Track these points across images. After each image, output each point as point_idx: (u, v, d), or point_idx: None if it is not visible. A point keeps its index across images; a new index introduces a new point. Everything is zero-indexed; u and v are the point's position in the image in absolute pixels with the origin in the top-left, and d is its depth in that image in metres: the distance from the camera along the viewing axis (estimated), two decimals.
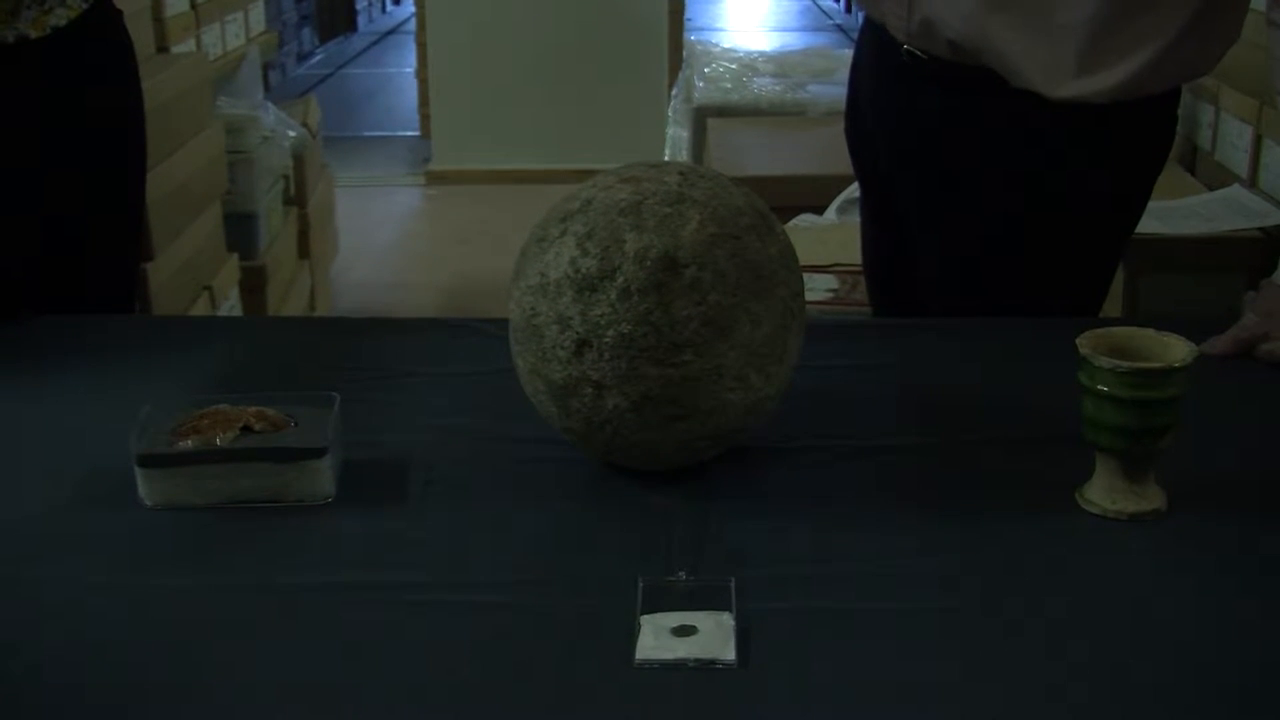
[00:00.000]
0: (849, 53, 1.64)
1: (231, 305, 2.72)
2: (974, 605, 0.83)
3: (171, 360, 1.23)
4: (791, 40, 7.86)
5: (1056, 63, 1.25)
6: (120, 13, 1.50)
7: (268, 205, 2.97)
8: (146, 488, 0.95)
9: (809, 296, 1.04)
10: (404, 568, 0.88)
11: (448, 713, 0.74)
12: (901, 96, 1.38)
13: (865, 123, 1.47)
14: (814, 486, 0.99)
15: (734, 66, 3.44)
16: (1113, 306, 1.69)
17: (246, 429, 0.97)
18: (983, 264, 1.37)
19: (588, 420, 0.95)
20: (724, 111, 3.18)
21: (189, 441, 0.96)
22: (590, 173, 1.03)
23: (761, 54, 3.67)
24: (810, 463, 1.02)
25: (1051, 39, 1.24)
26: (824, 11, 9.62)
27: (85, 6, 1.41)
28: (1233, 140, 2.32)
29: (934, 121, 1.35)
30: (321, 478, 0.96)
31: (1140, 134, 1.33)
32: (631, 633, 0.80)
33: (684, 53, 4.00)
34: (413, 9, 5.57)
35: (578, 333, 0.92)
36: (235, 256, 2.77)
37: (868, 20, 1.44)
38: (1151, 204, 1.40)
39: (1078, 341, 0.92)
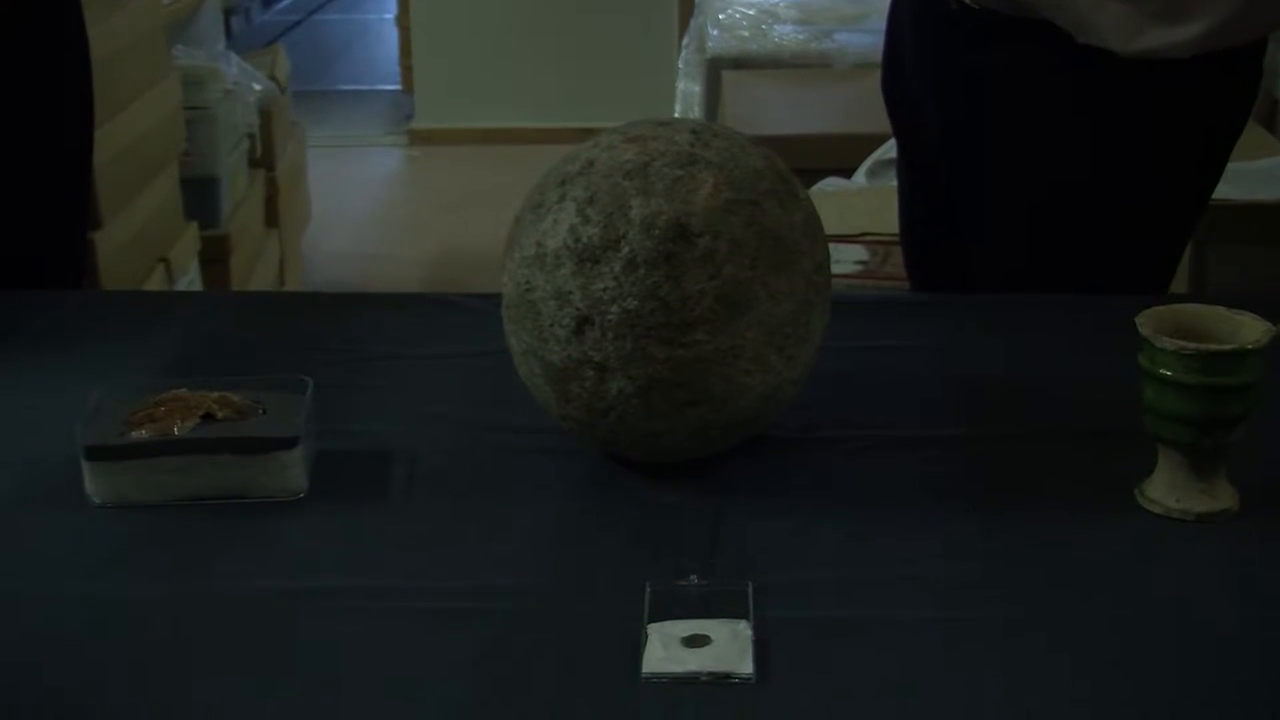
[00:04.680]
0: None
1: (190, 279, 2.72)
2: (1020, 616, 0.83)
3: (123, 341, 1.23)
4: None
5: (1131, 14, 1.24)
6: None
7: (231, 168, 2.97)
8: (95, 483, 0.96)
9: (836, 270, 1.04)
10: (384, 571, 0.89)
11: None
12: (948, 50, 1.37)
13: (906, 78, 1.46)
14: (841, 482, 0.99)
15: (752, 13, 3.43)
16: (1178, 281, 1.68)
17: (208, 417, 0.97)
18: (1036, 236, 1.37)
19: (589, 407, 0.95)
20: (741, 63, 3.17)
21: (143, 431, 0.96)
22: (592, 131, 1.03)
23: None
24: (837, 455, 1.02)
25: None
26: None
27: None
28: None
29: (985, 78, 1.34)
30: (292, 471, 0.96)
31: (1220, 92, 1.32)
32: (638, 643, 0.80)
33: None
34: None
35: (578, 309, 0.92)
36: (194, 225, 2.77)
37: None
38: None
39: (1138, 321, 0.91)
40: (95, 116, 1.56)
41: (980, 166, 1.38)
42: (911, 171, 1.55)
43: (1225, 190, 1.41)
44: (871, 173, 2.46)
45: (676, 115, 3.39)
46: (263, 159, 3.26)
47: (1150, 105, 1.29)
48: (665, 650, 0.79)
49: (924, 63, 1.42)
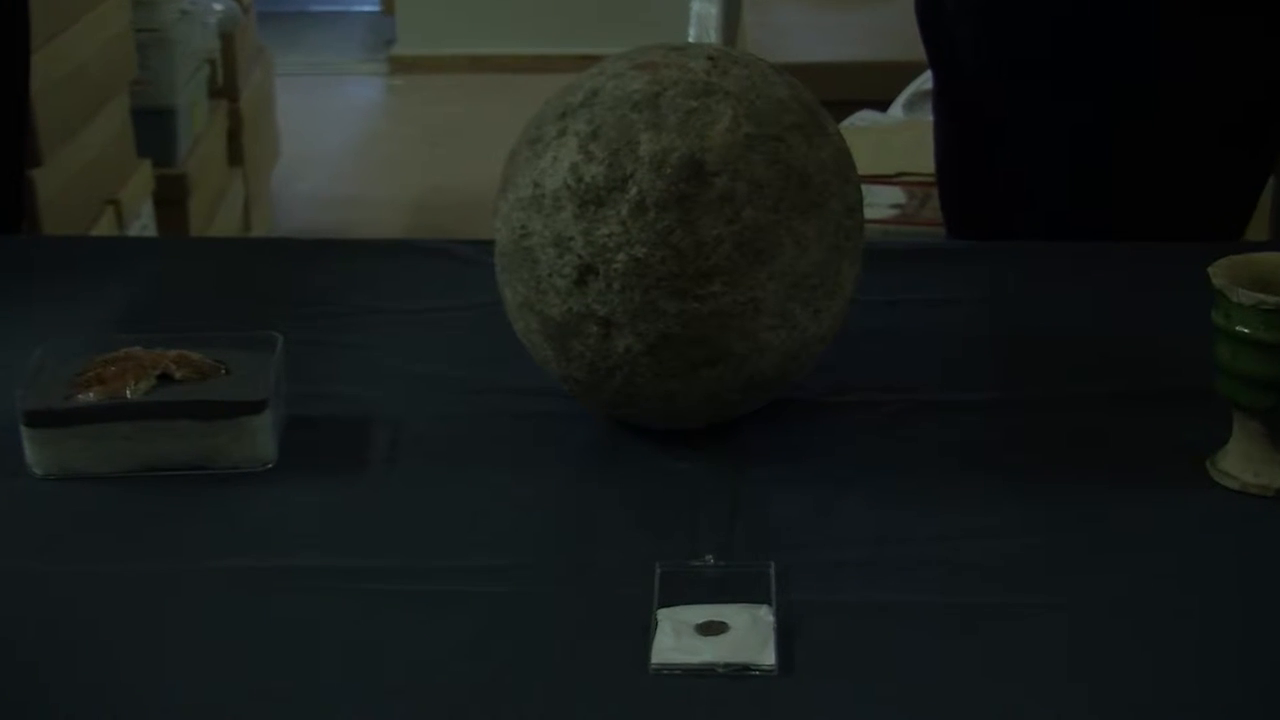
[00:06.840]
0: None
1: (144, 223, 2.72)
2: (1073, 600, 0.83)
3: (68, 293, 1.23)
4: None
5: None
6: None
7: (188, 98, 2.96)
8: (37, 453, 0.96)
9: (869, 213, 1.04)
10: (363, 550, 0.89)
11: None
12: None
13: (943, 2, 1.46)
14: (872, 451, 0.99)
15: None
16: (1257, 226, 1.67)
17: (165, 378, 0.97)
18: (1086, 176, 1.36)
19: (593, 366, 0.95)
20: None
21: (90, 394, 0.96)
22: (596, 58, 1.02)
23: None
24: (868, 421, 1.02)
25: None
26: None
27: None
28: None
29: (1030, 2, 1.33)
30: (260, 438, 0.96)
31: None
32: (647, 630, 0.80)
33: None
34: None
35: (580, 257, 0.91)
36: (148, 162, 2.77)
37: None
38: None
39: (1211, 271, 0.91)
40: (32, 39, 1.55)
41: (1021, 91, 1.38)
42: (947, 106, 1.55)
43: None
44: (910, 105, 2.45)
45: (691, 40, 3.37)
46: (225, 88, 3.25)
47: (1213, 30, 1.28)
48: (677, 638, 0.79)
49: None
